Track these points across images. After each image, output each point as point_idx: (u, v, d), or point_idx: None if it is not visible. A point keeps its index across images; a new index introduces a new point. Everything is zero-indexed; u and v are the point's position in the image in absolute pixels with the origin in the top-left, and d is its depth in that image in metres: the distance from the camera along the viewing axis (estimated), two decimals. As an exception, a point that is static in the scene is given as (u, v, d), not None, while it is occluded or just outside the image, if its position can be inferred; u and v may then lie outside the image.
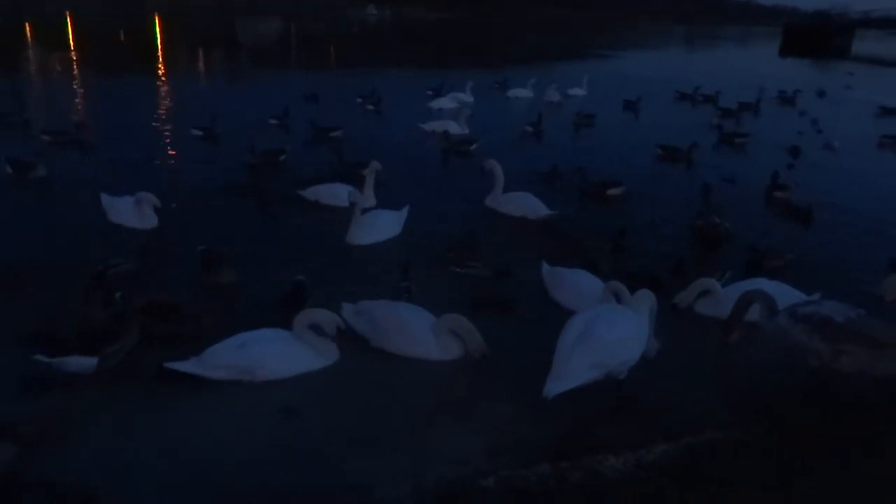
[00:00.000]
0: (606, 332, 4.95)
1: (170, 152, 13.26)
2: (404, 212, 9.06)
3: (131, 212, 8.72)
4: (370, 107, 19.15)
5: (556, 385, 4.67)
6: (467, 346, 5.78)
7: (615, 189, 11.26)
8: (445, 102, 19.98)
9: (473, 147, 13.98)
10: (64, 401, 4.98)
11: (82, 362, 5.18)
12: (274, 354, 5.43)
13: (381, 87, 20.04)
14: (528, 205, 9.96)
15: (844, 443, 4.78)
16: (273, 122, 15.90)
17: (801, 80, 30.34)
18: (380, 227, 8.68)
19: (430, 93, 21.33)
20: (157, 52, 33.92)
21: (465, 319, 5.78)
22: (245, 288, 6.98)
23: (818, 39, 59.48)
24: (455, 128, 15.74)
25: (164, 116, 16.78)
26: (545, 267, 7.31)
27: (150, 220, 8.75)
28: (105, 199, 8.93)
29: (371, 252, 8.29)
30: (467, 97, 20.82)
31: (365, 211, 8.66)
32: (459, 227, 9.02)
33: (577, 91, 24.01)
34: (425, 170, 12.41)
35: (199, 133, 14.30)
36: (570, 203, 10.63)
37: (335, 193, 9.85)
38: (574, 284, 6.86)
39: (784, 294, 6.24)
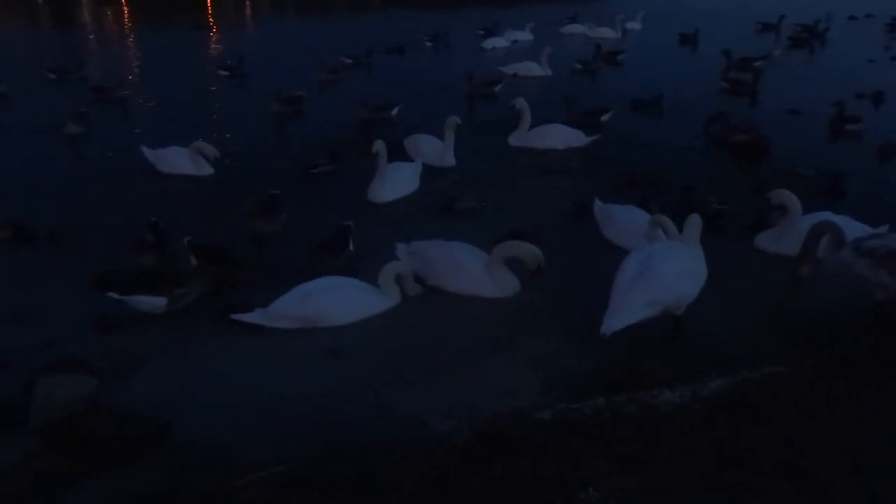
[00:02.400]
0: (663, 269, 4.87)
1: (216, 102, 13.52)
2: (419, 164, 8.75)
3: (186, 160, 8.86)
4: (428, 43, 19.30)
5: (613, 322, 4.63)
6: (524, 260, 5.72)
7: (606, 115, 11.07)
8: (499, 42, 19.62)
9: (497, 88, 13.69)
10: (132, 339, 5.25)
11: (153, 301, 5.44)
12: (339, 303, 5.51)
13: (450, 25, 20.08)
14: (569, 135, 9.78)
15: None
16: (348, 61, 16.30)
17: (874, 4, 28.38)
18: (400, 182, 8.21)
19: (480, 32, 20.92)
20: (208, 1, 34.02)
21: (514, 241, 5.80)
22: (289, 234, 7.11)
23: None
24: (535, 69, 15.52)
25: (210, 66, 16.99)
26: (598, 203, 7.19)
27: (205, 168, 8.92)
28: (148, 151, 9.03)
29: (398, 204, 8.13)
30: (526, 35, 20.44)
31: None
32: (482, 173, 8.97)
33: (634, 25, 23.14)
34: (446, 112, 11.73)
35: (227, 73, 15.37)
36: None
37: (422, 147, 9.31)
38: (625, 222, 6.72)
39: (850, 227, 5.99)
